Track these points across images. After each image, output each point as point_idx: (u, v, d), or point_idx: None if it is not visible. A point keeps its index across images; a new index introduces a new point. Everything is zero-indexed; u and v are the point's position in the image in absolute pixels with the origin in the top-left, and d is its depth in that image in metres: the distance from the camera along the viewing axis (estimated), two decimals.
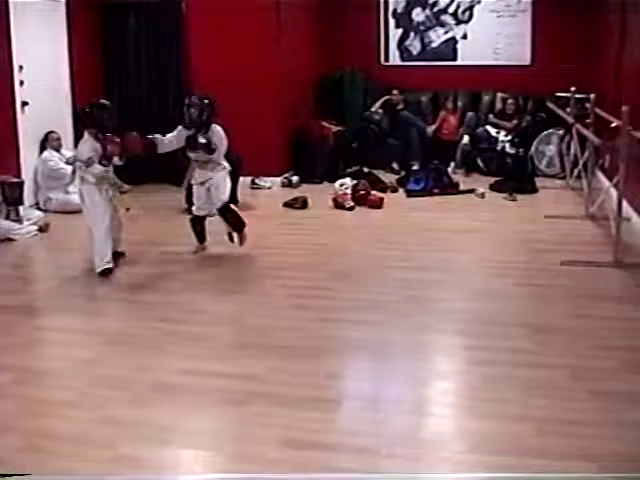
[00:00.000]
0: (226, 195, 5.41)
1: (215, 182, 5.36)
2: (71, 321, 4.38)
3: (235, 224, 5.49)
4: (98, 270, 4.99)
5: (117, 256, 5.23)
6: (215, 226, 6.53)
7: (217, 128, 5.34)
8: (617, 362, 3.52)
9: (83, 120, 5.19)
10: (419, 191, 7.57)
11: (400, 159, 8.65)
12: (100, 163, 4.97)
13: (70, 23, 7.47)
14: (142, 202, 7.29)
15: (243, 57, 7.76)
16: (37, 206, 6.90)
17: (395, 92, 8.97)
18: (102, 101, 5.28)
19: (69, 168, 6.60)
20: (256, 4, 7.65)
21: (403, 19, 9.54)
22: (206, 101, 5.32)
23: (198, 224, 5.58)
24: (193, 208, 5.57)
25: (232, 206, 5.55)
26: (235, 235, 5.51)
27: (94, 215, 5.03)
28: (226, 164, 5.44)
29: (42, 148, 7.07)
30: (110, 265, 5.02)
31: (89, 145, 5.00)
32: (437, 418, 3.19)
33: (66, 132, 7.32)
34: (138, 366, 3.62)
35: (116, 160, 5.14)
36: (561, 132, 8.13)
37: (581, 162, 7.09)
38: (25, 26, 6.84)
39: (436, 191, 7.54)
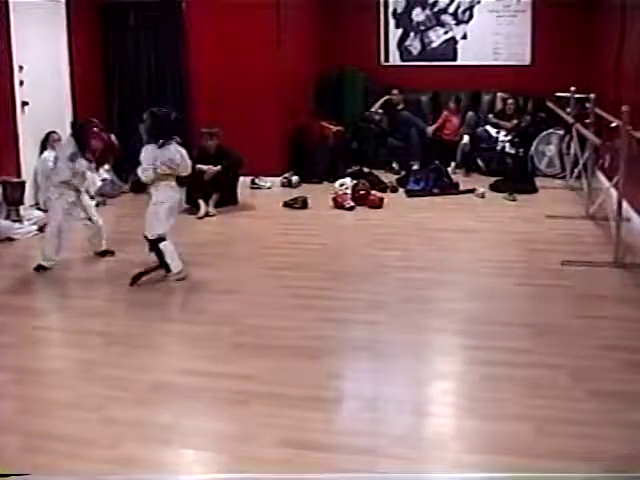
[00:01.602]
0: (157, 231, 4.88)
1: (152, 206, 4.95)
2: (71, 321, 4.39)
3: (162, 263, 4.92)
4: (35, 265, 5.19)
5: (104, 254, 5.51)
6: (211, 226, 6.56)
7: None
8: (617, 362, 3.52)
9: (74, 129, 5.35)
10: (419, 191, 7.57)
11: (400, 159, 8.66)
12: (85, 158, 5.19)
13: (70, 23, 7.47)
14: (142, 202, 7.30)
15: (243, 57, 7.77)
16: (37, 206, 6.90)
17: (395, 92, 8.97)
18: (94, 122, 5.32)
19: None
20: (256, 4, 7.65)
21: (403, 19, 9.54)
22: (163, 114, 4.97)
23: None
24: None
25: (161, 246, 4.88)
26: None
27: (50, 214, 5.43)
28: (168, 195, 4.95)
29: (42, 148, 7.07)
30: (46, 264, 5.18)
31: (73, 144, 5.22)
32: (437, 418, 3.19)
33: (66, 132, 7.31)
34: (138, 366, 3.62)
35: (102, 171, 5.60)
36: (561, 132, 8.13)
37: (581, 162, 7.09)
38: (25, 26, 6.84)
39: (436, 191, 7.55)
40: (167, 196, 4.95)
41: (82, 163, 5.19)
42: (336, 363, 3.70)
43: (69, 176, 5.18)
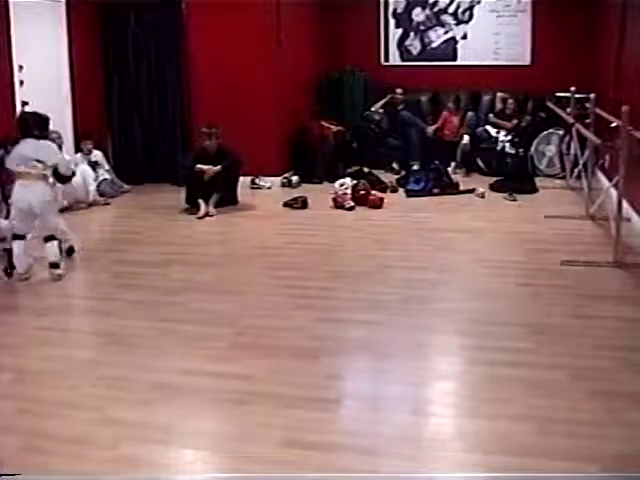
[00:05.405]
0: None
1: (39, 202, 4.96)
2: (71, 321, 4.39)
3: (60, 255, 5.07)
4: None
5: None
6: (211, 226, 6.56)
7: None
8: (617, 362, 3.52)
9: None
10: (419, 191, 7.57)
11: (400, 159, 8.66)
12: None
13: (70, 23, 7.47)
14: (142, 202, 7.31)
15: (243, 57, 7.77)
16: None
17: (399, 91, 8.96)
18: None
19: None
20: (256, 4, 7.65)
21: (403, 19, 9.55)
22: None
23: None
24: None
25: (13, 244, 4.97)
26: (55, 271, 4.97)
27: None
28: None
29: None
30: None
31: None
32: (437, 418, 3.18)
33: (66, 132, 7.32)
34: (138, 366, 3.62)
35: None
36: (561, 132, 8.14)
37: (581, 162, 7.09)
38: (25, 26, 6.84)
39: (436, 191, 7.55)
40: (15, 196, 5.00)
41: None
42: (336, 363, 3.70)
43: None
